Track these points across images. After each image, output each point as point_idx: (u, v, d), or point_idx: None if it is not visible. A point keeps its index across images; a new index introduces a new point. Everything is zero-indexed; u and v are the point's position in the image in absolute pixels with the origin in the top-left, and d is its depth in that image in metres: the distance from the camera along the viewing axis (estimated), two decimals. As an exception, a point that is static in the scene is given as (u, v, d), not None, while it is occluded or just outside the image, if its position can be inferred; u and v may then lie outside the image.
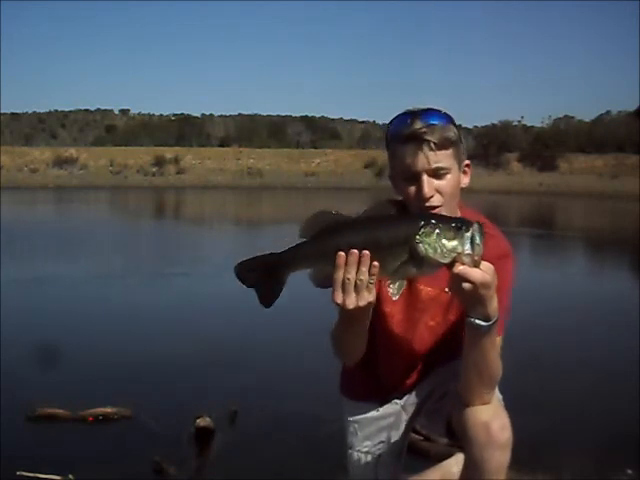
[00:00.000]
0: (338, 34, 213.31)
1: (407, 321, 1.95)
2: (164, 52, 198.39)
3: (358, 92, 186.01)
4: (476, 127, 58.88)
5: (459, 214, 1.88)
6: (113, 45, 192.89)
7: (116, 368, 4.75)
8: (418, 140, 1.77)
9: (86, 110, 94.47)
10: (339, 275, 1.56)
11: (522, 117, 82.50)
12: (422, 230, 1.51)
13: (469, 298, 1.59)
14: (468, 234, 1.50)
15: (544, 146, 44.81)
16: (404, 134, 1.79)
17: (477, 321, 1.64)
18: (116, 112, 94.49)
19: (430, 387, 2.01)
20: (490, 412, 1.76)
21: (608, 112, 54.63)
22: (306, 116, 71.85)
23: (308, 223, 1.60)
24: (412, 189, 1.81)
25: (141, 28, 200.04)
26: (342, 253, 1.53)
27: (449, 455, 2.17)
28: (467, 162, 1.89)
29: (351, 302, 1.57)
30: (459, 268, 1.53)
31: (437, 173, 1.79)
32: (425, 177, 1.78)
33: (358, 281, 1.55)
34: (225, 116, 76.49)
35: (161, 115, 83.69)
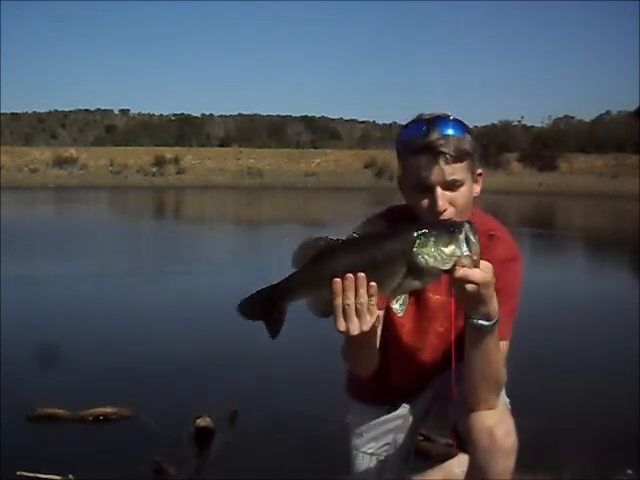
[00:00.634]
0: (338, 34, 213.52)
1: (417, 329, 1.95)
2: (164, 52, 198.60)
3: (358, 92, 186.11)
4: (476, 127, 58.81)
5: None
6: (113, 45, 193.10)
7: (116, 368, 4.75)
8: (433, 152, 1.72)
9: (86, 110, 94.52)
10: (338, 302, 1.50)
11: (522, 117, 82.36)
12: (418, 242, 1.49)
13: (472, 299, 1.58)
14: (462, 236, 1.48)
15: (544, 146, 44.81)
16: (419, 144, 1.74)
17: (480, 322, 1.64)
18: (116, 112, 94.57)
19: (437, 390, 2.00)
20: (495, 418, 1.76)
21: (608, 112, 54.69)
22: (306, 116, 71.90)
23: (299, 251, 1.56)
24: (425, 201, 1.77)
25: (141, 28, 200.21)
26: (338, 279, 1.49)
27: (450, 456, 2.17)
28: (480, 171, 1.85)
29: (355, 328, 1.52)
30: (460, 271, 1.51)
31: (451, 185, 1.75)
32: (439, 190, 1.75)
33: (358, 305, 1.50)
34: (225, 116, 76.55)
35: (161, 115, 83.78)
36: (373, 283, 1.49)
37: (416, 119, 1.80)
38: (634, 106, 50.63)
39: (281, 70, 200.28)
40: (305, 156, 46.95)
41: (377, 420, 2.05)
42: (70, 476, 3.07)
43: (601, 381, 4.61)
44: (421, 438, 3.09)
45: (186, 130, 64.64)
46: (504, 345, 1.81)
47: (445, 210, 1.76)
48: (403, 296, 1.54)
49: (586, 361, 5.12)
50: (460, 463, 2.00)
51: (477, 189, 1.86)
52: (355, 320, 1.51)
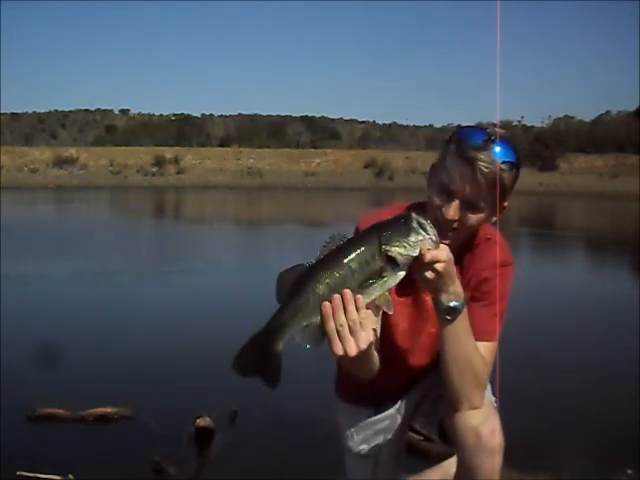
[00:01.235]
0: (338, 34, 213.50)
1: (411, 330, 1.96)
2: (164, 52, 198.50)
3: (358, 92, 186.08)
4: (476, 127, 58.74)
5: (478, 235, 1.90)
6: (113, 45, 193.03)
7: (116, 368, 4.75)
8: (475, 169, 1.70)
9: (86, 110, 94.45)
10: (331, 325, 1.47)
11: (522, 117, 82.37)
12: (383, 239, 1.52)
13: (443, 279, 1.61)
14: (415, 224, 1.53)
15: (544, 146, 44.78)
16: (467, 153, 1.71)
17: (452, 303, 1.66)
18: (116, 112, 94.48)
19: (425, 389, 2.01)
20: (480, 417, 1.76)
21: (608, 112, 54.71)
22: (306, 116, 71.79)
23: (279, 286, 1.53)
24: (440, 200, 1.78)
25: (141, 28, 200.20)
26: (326, 302, 1.48)
27: (450, 455, 2.17)
28: (506, 204, 1.83)
29: (352, 348, 1.48)
30: (429, 254, 1.53)
31: (470, 206, 1.75)
32: (457, 202, 1.74)
33: (351, 323, 1.47)
34: (225, 116, 76.47)
35: (161, 115, 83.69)
36: (359, 296, 1.49)
37: (484, 126, 1.77)
38: (634, 106, 50.69)
39: (281, 70, 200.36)
40: (305, 156, 46.92)
41: (366, 421, 2.05)
42: (70, 476, 3.07)
43: (601, 381, 4.61)
44: (421, 438, 3.09)
45: (186, 130, 64.58)
46: (492, 346, 1.83)
47: (451, 221, 1.76)
48: (385, 296, 1.55)
49: (586, 361, 5.12)
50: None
51: (494, 219, 1.85)
52: (351, 340, 1.48)
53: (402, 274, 1.54)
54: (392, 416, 2.04)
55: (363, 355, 1.54)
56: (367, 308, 1.51)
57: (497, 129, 1.75)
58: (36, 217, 20.06)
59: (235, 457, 3.41)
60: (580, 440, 3.58)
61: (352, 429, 2.08)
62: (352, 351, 1.48)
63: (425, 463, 2.45)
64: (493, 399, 1.94)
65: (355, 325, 1.47)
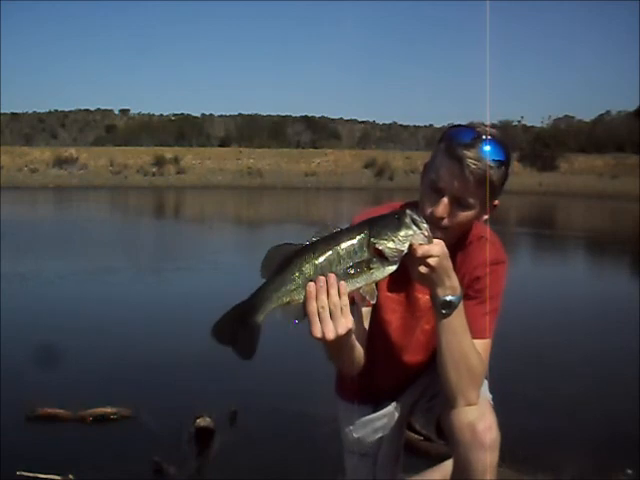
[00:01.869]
0: (338, 34, 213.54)
1: (404, 327, 1.97)
2: (164, 52, 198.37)
3: (358, 92, 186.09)
4: (476, 127, 58.77)
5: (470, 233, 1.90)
6: (113, 45, 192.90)
7: (116, 368, 4.75)
8: (463, 167, 1.71)
9: (86, 110, 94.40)
10: (312, 306, 1.49)
11: (522, 117, 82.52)
12: (373, 232, 1.54)
13: (437, 274, 1.62)
14: (408, 219, 1.54)
15: (544, 146, 44.81)
16: (456, 151, 1.73)
17: (449, 297, 1.67)
18: (116, 112, 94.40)
19: (422, 387, 2.02)
20: (475, 413, 1.76)
21: (608, 112, 54.80)
22: (306, 116, 71.79)
23: (265, 261, 1.57)
24: (430, 198, 1.79)
25: (141, 28, 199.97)
26: (312, 283, 1.51)
27: (450, 455, 2.17)
28: (496, 203, 1.84)
29: (330, 332, 1.50)
30: (420, 249, 1.55)
31: (459, 203, 1.77)
32: (446, 200, 1.76)
33: (332, 306, 1.49)
34: (225, 116, 76.49)
35: (161, 115, 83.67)
36: (343, 282, 1.51)
37: (475, 125, 1.78)
38: (634, 106, 50.77)
39: (281, 70, 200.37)
40: (305, 156, 46.92)
41: (363, 419, 2.06)
42: (70, 476, 3.07)
43: (601, 381, 4.61)
44: (421, 438, 3.09)
45: (186, 130, 64.62)
46: (486, 344, 1.84)
47: (440, 218, 1.77)
48: (371, 286, 1.56)
49: (586, 361, 5.12)
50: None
51: (486, 217, 1.86)
52: (330, 323, 1.50)
53: (391, 268, 1.55)
54: (390, 414, 2.04)
55: (342, 342, 1.57)
56: (351, 296, 1.54)
57: (487, 128, 1.77)
58: (36, 217, 20.06)
59: (235, 457, 3.41)
60: (580, 440, 3.58)
61: (351, 427, 2.09)
62: (330, 335, 1.50)
63: (425, 463, 2.45)
64: (490, 397, 1.95)
65: (336, 309, 1.49)
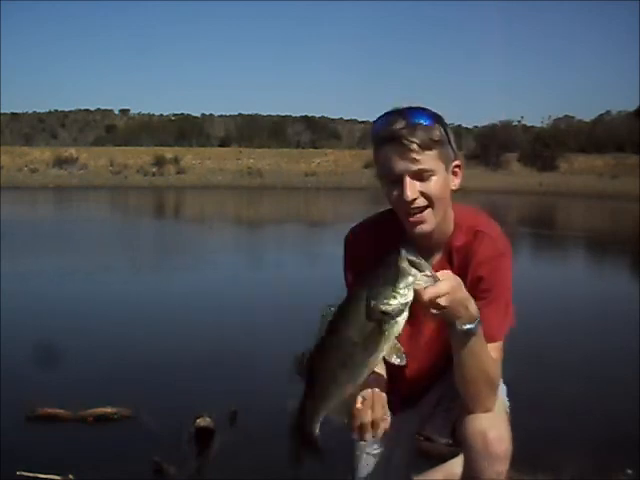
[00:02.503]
0: (338, 34, 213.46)
1: (408, 336, 1.93)
2: (164, 52, 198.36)
3: (358, 92, 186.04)
4: (476, 127, 58.97)
5: (451, 215, 1.84)
6: (113, 45, 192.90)
7: (116, 368, 4.75)
8: (399, 141, 1.68)
9: (86, 110, 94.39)
10: (357, 422, 1.65)
11: (522, 117, 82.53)
12: (372, 295, 1.48)
13: (451, 310, 1.57)
14: (404, 264, 1.47)
15: (544, 146, 44.80)
16: (386, 134, 1.71)
17: (466, 326, 1.62)
18: (116, 112, 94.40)
19: (440, 392, 1.99)
20: (489, 422, 1.74)
21: (608, 112, 54.77)
22: (306, 116, 71.77)
23: (297, 367, 1.73)
24: (395, 192, 1.73)
25: (141, 28, 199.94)
26: (359, 406, 1.61)
27: (451, 456, 2.17)
28: (457, 162, 1.79)
29: (369, 437, 1.67)
30: (427, 293, 1.50)
31: (421, 175, 1.71)
32: (407, 179, 1.70)
33: (374, 419, 1.63)
34: (225, 116, 76.51)
35: (161, 115, 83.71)
36: (383, 394, 1.63)
37: (386, 111, 1.77)
38: (634, 106, 50.74)
39: (281, 70, 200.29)
40: (305, 156, 46.94)
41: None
42: (70, 476, 3.07)
43: (601, 381, 4.60)
44: (421, 438, 3.08)
45: (186, 130, 64.63)
46: (499, 346, 1.79)
47: (415, 200, 1.71)
48: (395, 347, 1.55)
49: (586, 361, 5.11)
50: (461, 463, 1.99)
51: (456, 181, 1.80)
52: (370, 432, 1.65)
53: (403, 318, 1.50)
54: (407, 418, 2.02)
55: None
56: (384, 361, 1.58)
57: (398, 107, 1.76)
58: (36, 217, 20.05)
59: (235, 457, 3.40)
60: (580, 440, 3.58)
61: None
62: (368, 439, 1.68)
63: (428, 463, 2.45)
64: (508, 404, 1.92)
65: (377, 420, 1.64)
